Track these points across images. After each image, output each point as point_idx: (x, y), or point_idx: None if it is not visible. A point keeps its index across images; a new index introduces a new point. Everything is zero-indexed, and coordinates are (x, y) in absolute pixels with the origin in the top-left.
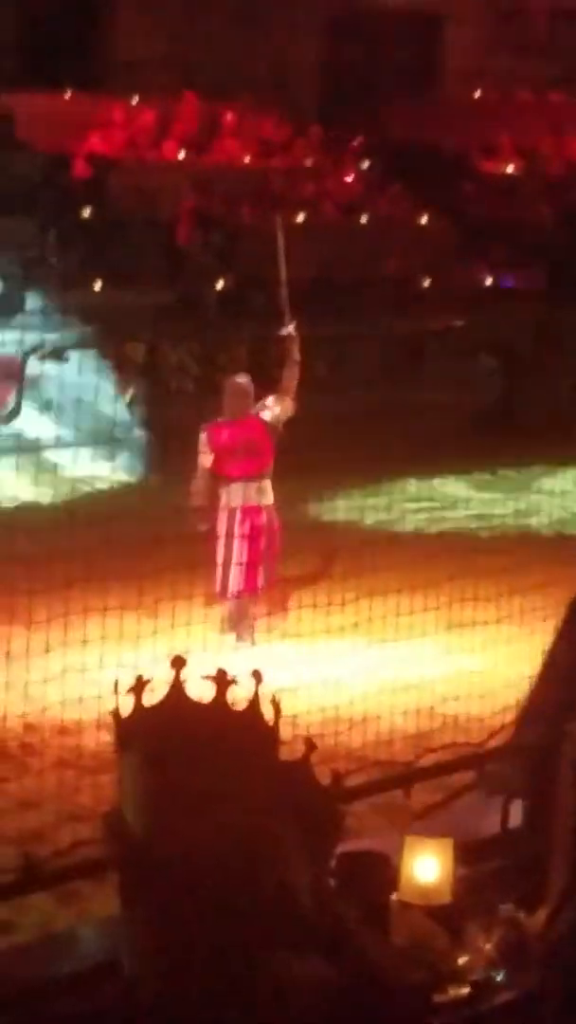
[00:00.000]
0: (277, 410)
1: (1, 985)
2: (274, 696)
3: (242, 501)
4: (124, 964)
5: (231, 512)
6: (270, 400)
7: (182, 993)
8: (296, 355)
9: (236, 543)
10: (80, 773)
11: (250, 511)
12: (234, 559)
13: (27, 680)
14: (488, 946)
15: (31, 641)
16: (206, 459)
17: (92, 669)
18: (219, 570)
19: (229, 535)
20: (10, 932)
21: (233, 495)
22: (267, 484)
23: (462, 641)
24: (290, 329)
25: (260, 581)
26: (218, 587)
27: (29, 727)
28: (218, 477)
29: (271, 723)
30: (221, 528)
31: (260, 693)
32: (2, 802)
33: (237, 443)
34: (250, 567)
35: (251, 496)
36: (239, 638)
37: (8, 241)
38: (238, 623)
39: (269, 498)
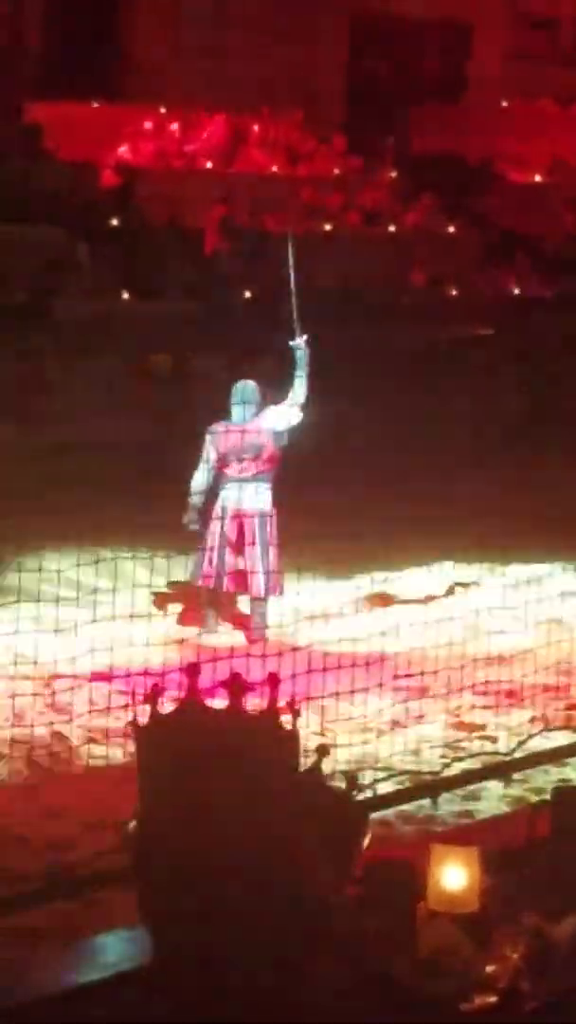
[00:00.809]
0: (282, 419)
1: (27, 992)
2: (293, 701)
3: (234, 504)
4: (146, 972)
5: (223, 510)
6: (277, 408)
7: (205, 1000)
8: (305, 367)
9: (220, 542)
10: (107, 782)
11: (240, 515)
12: (215, 557)
13: (54, 688)
14: (515, 955)
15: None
16: (208, 459)
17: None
18: (204, 555)
19: (219, 530)
20: (36, 940)
21: (228, 494)
22: (264, 488)
23: None
24: (300, 342)
25: (250, 582)
26: (202, 573)
27: (56, 735)
28: (218, 475)
29: (290, 729)
30: (214, 517)
31: (277, 699)
32: (29, 811)
33: (239, 446)
34: (235, 569)
35: (245, 499)
36: (204, 627)
37: (36, 250)
38: (206, 612)
39: (265, 503)
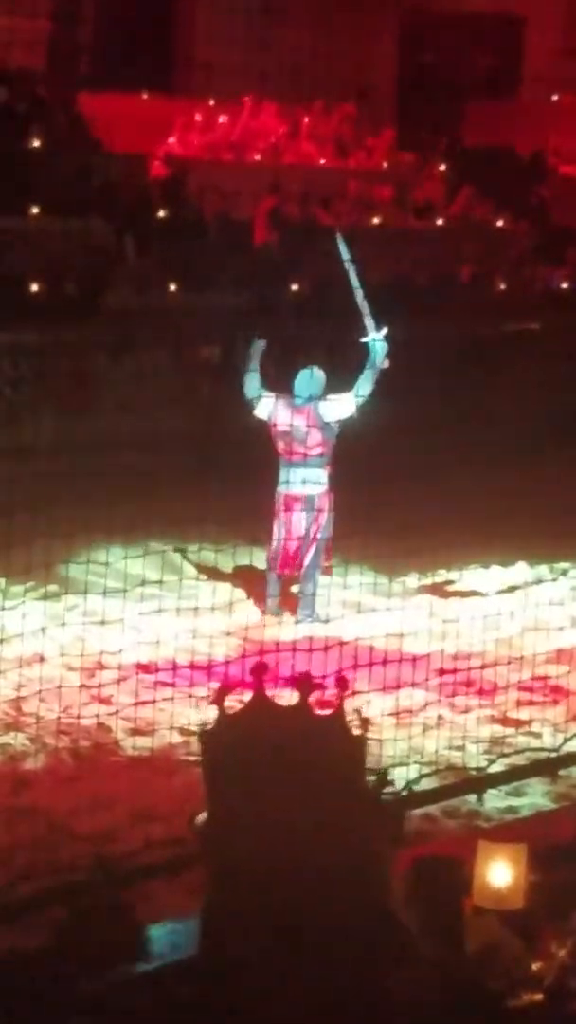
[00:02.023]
0: (338, 410)
1: (80, 984)
2: (359, 707)
3: (285, 488)
4: (203, 963)
5: (277, 494)
6: (338, 397)
7: (266, 992)
8: (382, 363)
9: (277, 524)
10: (152, 773)
11: (290, 498)
12: (276, 537)
13: (99, 682)
14: (562, 952)
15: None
16: (259, 397)
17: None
18: (273, 544)
19: (276, 514)
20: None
21: (280, 476)
22: (314, 473)
23: None
24: (379, 335)
25: (297, 563)
26: (269, 560)
27: (101, 726)
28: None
29: (357, 732)
30: (276, 505)
31: (345, 699)
32: (75, 802)
33: (289, 426)
34: (287, 550)
35: (294, 480)
36: (298, 614)
37: (86, 242)
38: (283, 599)
39: (315, 487)
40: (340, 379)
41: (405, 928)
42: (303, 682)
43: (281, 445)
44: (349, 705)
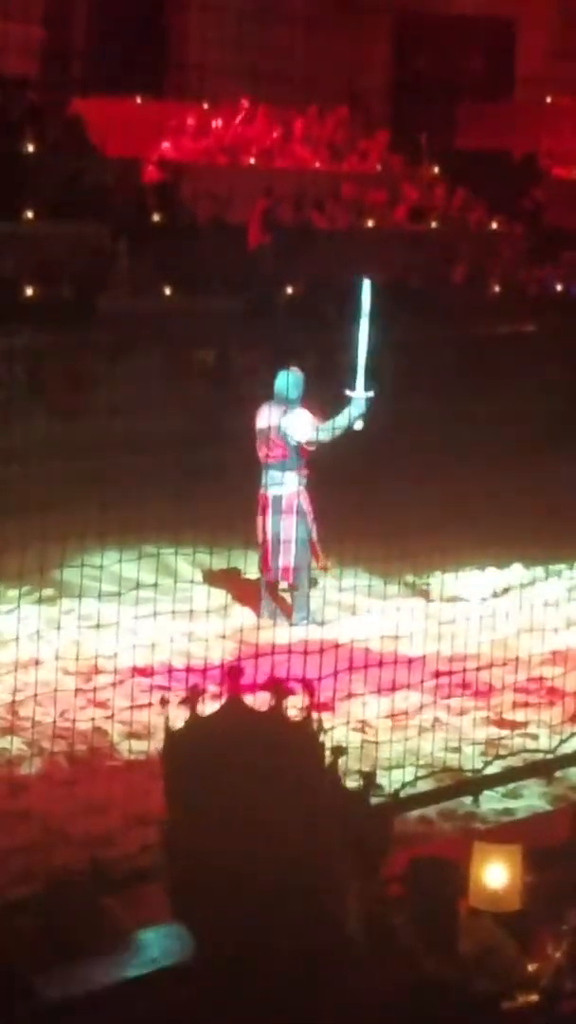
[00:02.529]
0: (297, 432)
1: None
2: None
3: (262, 489)
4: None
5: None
6: (304, 418)
7: (239, 999)
8: (355, 422)
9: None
10: (148, 777)
11: (263, 499)
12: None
13: (95, 686)
14: (557, 953)
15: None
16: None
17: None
18: (260, 548)
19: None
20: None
21: (263, 479)
22: (279, 475)
23: None
24: (362, 395)
25: (271, 566)
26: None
27: (97, 730)
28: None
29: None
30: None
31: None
32: (71, 805)
33: (263, 427)
34: (265, 553)
35: (265, 482)
36: (293, 617)
37: (80, 246)
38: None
39: (278, 488)
40: (326, 385)
41: (351, 935)
42: (277, 687)
43: (258, 445)
44: (311, 710)
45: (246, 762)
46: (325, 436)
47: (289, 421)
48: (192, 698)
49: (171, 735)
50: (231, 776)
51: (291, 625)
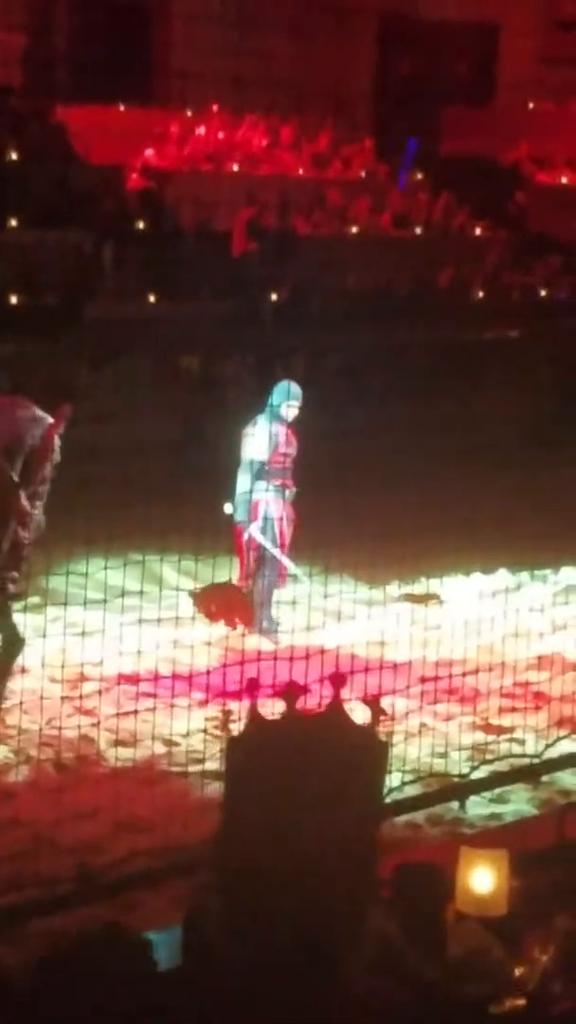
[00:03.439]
0: (251, 436)
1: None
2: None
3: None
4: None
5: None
6: (259, 427)
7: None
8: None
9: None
10: (135, 783)
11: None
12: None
13: (81, 693)
14: (544, 957)
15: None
16: None
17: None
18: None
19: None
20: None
21: None
22: (257, 482)
23: None
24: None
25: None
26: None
27: (84, 737)
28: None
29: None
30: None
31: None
32: (59, 813)
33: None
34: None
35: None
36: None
37: (66, 253)
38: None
39: (257, 495)
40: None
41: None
42: (335, 693)
43: None
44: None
45: (308, 769)
46: (244, 485)
47: (249, 432)
48: (291, 695)
49: (232, 741)
50: (293, 781)
51: (242, 635)
